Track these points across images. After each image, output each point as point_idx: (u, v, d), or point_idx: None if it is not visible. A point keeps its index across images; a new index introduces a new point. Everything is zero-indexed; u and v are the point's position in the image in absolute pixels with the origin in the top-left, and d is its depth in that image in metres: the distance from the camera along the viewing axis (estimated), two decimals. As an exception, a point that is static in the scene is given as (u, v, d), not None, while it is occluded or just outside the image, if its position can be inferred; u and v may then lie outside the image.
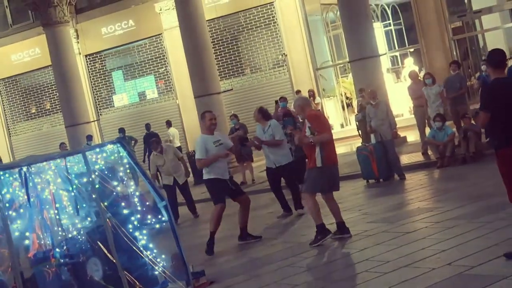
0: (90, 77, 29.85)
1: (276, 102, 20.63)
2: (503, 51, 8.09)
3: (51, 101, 30.99)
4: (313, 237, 10.35)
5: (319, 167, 10.19)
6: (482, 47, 25.30)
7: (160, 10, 27.06)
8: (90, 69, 29.85)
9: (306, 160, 11.20)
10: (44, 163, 8.27)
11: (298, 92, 23.30)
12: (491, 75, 7.83)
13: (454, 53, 22.73)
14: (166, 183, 16.08)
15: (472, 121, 15.85)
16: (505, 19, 25.52)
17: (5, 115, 32.38)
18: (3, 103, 32.35)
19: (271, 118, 13.84)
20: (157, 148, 15.97)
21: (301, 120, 16.38)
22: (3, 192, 7.76)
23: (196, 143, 11.56)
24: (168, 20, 26.83)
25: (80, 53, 29.38)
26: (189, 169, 16.71)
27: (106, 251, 8.08)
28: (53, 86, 29.84)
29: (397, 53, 26.40)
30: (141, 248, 8.37)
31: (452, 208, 10.72)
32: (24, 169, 8.01)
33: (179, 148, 22.58)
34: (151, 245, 8.58)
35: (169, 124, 25.87)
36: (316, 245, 10.19)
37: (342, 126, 25.73)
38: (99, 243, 8.26)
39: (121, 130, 24.35)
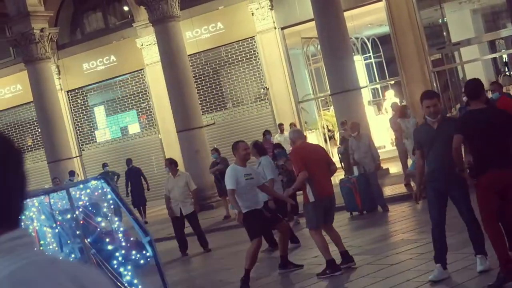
0: (72, 112, 29.79)
1: (264, 134, 20.71)
2: (478, 80, 8.34)
3: (33, 137, 30.85)
4: (322, 270, 10.26)
5: (312, 202, 10.21)
6: (462, 78, 25.49)
7: (142, 45, 27.14)
8: (72, 104, 29.80)
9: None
10: (28, 200, 8.23)
11: (281, 125, 23.36)
12: (471, 104, 8.20)
13: (434, 84, 22.88)
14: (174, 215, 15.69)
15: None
16: (484, 51, 25.78)
17: (-13, 152, 32.12)
18: (-16, 140, 32.12)
19: (265, 153, 13.55)
20: (170, 166, 15.61)
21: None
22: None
23: (226, 173, 10.98)
24: (149, 55, 26.92)
25: (61, 89, 29.32)
26: (197, 204, 16.05)
27: None
28: (35, 122, 29.73)
29: (378, 86, 26.60)
30: (126, 285, 8.31)
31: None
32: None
33: None
34: (136, 281, 8.53)
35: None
36: (322, 277, 10.12)
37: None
38: None
39: (105, 165, 24.25)
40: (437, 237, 8.55)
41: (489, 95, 15.00)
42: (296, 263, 11.31)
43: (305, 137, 11.28)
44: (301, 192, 10.93)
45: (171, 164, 15.73)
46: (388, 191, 17.18)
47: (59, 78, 29.24)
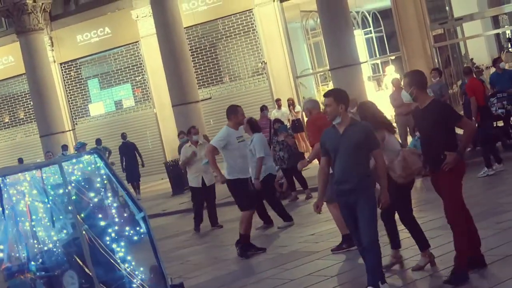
0: (65, 85, 29.46)
1: (261, 109, 20.40)
2: (423, 72, 8.05)
3: (25, 110, 30.56)
4: (337, 245, 10.14)
5: (331, 173, 9.89)
6: (463, 54, 25.30)
7: (137, 17, 26.76)
8: (65, 77, 29.46)
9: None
10: (19, 174, 8.02)
11: (278, 100, 23.11)
12: (419, 96, 7.60)
13: (436, 60, 22.66)
14: (194, 185, 14.77)
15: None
16: (487, 26, 25.59)
17: (-22, 125, 31.87)
18: (-25, 112, 31.84)
19: (259, 131, 13.30)
20: (196, 133, 14.91)
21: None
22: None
23: (220, 131, 11.18)
24: (145, 27, 26.54)
25: (55, 61, 29.00)
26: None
27: (82, 264, 7.82)
28: (27, 95, 29.45)
29: (378, 61, 26.32)
30: (119, 261, 8.17)
31: (435, 218, 10.55)
32: (-1, 180, 7.77)
33: None
34: (129, 257, 8.39)
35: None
36: (337, 252, 9.98)
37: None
38: (75, 255, 8.01)
39: (98, 141, 23.92)
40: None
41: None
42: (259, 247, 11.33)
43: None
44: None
45: (190, 133, 15.13)
46: (387, 168, 16.92)
47: (52, 50, 28.90)
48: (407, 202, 8.36)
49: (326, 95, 7.68)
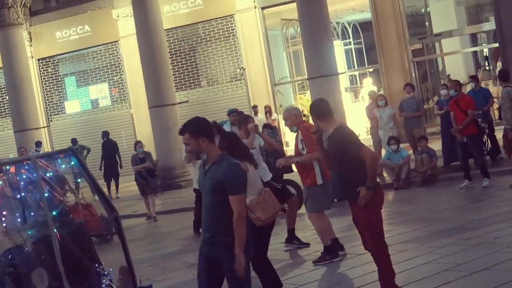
0: (42, 82, 29.26)
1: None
2: (325, 100, 7.88)
3: (0, 104, 30.25)
4: (319, 256, 9.99)
5: (320, 185, 9.84)
6: (441, 70, 25.51)
7: (118, 16, 26.67)
8: (42, 73, 29.27)
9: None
10: None
11: (255, 107, 23.11)
12: (322, 125, 7.48)
13: (413, 75, 22.80)
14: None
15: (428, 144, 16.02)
16: (465, 43, 25.85)
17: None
18: (-51, 105, 31.48)
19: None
20: None
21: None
22: None
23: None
24: (125, 27, 26.45)
25: (32, 57, 28.79)
26: None
27: (52, 262, 7.77)
28: (3, 90, 29.18)
29: (356, 73, 26.47)
30: (89, 260, 8.10)
31: (405, 231, 10.69)
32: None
33: None
34: (99, 257, 8.32)
35: None
36: (321, 264, 9.82)
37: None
38: (45, 253, 7.94)
39: (73, 141, 23.70)
40: None
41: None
42: (303, 241, 11.22)
43: None
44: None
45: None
46: (360, 180, 17.01)
47: (31, 46, 28.71)
48: (264, 244, 7.94)
49: (180, 132, 6.21)
